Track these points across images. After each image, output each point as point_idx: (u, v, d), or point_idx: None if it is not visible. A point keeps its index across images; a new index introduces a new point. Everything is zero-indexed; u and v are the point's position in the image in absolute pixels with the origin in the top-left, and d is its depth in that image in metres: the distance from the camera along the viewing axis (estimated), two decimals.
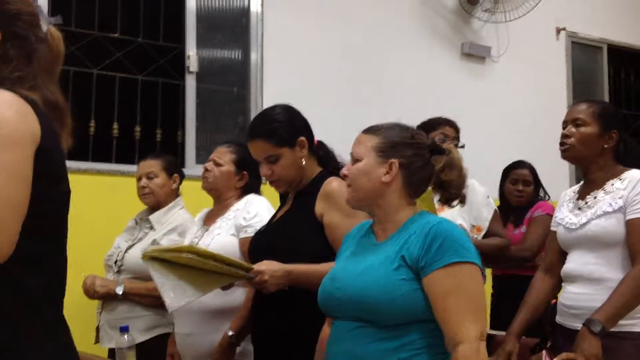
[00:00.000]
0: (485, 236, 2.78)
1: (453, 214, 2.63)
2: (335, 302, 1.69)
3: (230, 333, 2.28)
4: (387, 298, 1.59)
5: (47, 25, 1.38)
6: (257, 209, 2.50)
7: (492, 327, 3.63)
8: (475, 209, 2.74)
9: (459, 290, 1.56)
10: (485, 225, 2.76)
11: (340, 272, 1.74)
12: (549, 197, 3.85)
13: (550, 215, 3.59)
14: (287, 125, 2.13)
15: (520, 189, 3.73)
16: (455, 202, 1.83)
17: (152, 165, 2.98)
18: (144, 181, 2.95)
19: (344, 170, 1.78)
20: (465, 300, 1.56)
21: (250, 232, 2.43)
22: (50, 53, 1.38)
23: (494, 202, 2.84)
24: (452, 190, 1.81)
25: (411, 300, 1.59)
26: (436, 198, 1.87)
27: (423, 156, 1.75)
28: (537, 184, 3.80)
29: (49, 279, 1.28)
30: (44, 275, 1.26)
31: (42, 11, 1.39)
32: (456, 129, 2.90)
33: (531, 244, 3.53)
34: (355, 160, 1.75)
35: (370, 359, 1.60)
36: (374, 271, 1.65)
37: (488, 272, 3.67)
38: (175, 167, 3.05)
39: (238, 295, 2.35)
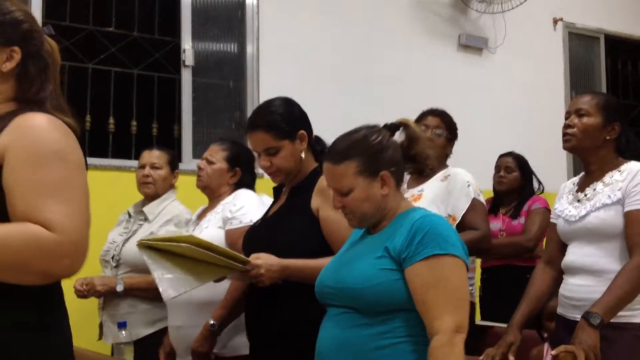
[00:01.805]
0: (459, 227, 2.65)
1: (423, 205, 2.58)
2: (325, 289, 1.75)
3: (212, 322, 2.30)
4: (366, 285, 1.63)
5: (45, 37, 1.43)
6: (244, 202, 2.53)
7: (482, 318, 3.65)
8: (454, 198, 2.63)
9: (438, 282, 1.58)
10: (459, 215, 2.62)
11: (332, 262, 1.80)
12: (543, 187, 3.86)
13: (547, 209, 3.64)
14: (288, 117, 2.11)
15: (501, 174, 3.81)
16: (427, 171, 1.82)
17: (159, 156, 2.99)
18: (147, 170, 2.95)
19: (336, 204, 1.75)
20: (444, 293, 1.58)
21: (236, 224, 2.47)
22: (54, 64, 1.43)
23: (475, 191, 2.67)
24: (426, 161, 1.79)
25: (390, 289, 1.62)
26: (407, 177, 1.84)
27: (397, 148, 1.75)
28: (525, 173, 3.82)
29: (57, 282, 1.35)
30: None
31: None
32: (443, 119, 2.80)
33: (535, 235, 3.57)
34: (343, 193, 1.71)
35: (352, 344, 1.64)
36: (358, 260, 1.70)
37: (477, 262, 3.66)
38: (176, 164, 3.08)
39: (226, 288, 2.35)
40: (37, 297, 1.27)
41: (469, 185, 2.67)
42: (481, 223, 2.68)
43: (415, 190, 2.72)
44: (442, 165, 2.80)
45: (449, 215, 2.63)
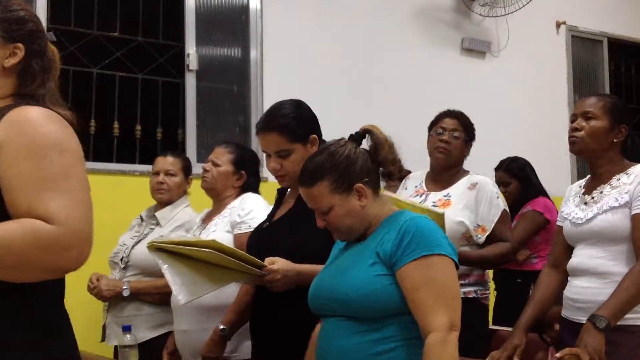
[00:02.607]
0: (488, 238, 2.63)
1: (455, 212, 2.57)
2: (320, 300, 1.77)
3: (222, 327, 2.30)
4: (362, 294, 1.65)
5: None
6: (252, 206, 2.54)
7: (493, 323, 3.65)
8: (483, 209, 2.61)
9: (428, 282, 1.62)
10: (490, 226, 2.61)
11: (324, 272, 1.82)
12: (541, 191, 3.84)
13: (537, 212, 3.64)
14: (301, 121, 2.12)
15: (501, 190, 3.80)
16: (396, 176, 1.84)
17: (173, 163, 3.00)
18: (162, 177, 2.96)
19: (320, 224, 1.78)
20: (434, 292, 1.61)
21: (245, 229, 2.47)
22: (55, 69, 1.44)
23: (503, 203, 2.68)
24: (391, 166, 1.81)
25: (385, 294, 1.65)
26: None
27: (367, 158, 1.77)
28: (522, 178, 3.80)
29: (55, 280, 1.31)
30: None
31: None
32: (460, 120, 2.77)
33: (514, 239, 3.56)
34: (324, 212, 1.75)
35: (351, 352, 1.66)
36: (350, 269, 1.72)
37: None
38: (190, 170, 3.08)
39: (233, 292, 2.35)
40: (33, 295, 1.25)
41: (498, 197, 2.66)
42: (509, 235, 2.71)
43: (440, 195, 2.69)
44: (461, 168, 2.77)
45: (478, 226, 2.61)
